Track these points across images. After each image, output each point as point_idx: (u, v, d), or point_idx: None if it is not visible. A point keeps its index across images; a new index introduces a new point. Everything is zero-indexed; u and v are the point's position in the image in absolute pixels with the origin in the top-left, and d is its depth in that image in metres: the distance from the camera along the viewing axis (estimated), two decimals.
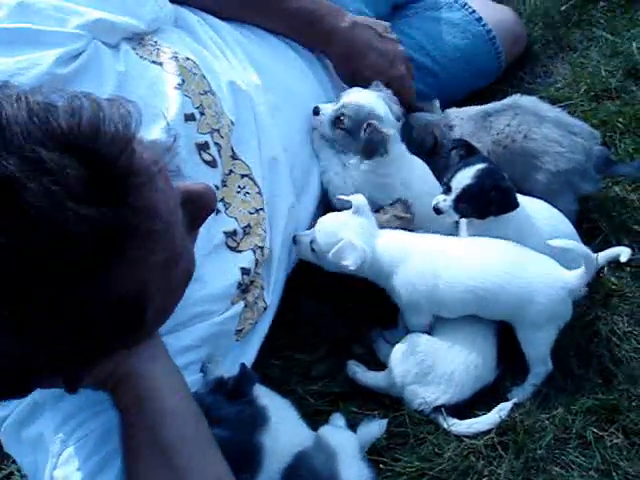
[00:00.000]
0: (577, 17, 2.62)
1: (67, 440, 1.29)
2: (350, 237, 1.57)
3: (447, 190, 1.65)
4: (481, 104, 2.09)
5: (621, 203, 1.99)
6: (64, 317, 0.84)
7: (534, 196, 1.77)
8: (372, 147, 1.79)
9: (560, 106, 2.36)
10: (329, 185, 1.85)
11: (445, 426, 1.53)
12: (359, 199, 1.64)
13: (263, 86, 1.78)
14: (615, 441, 1.49)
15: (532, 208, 1.70)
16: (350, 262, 1.56)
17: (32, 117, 0.83)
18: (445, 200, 1.64)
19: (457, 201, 1.63)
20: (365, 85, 1.90)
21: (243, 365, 1.41)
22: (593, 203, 1.99)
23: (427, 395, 1.56)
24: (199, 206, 1.07)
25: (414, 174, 1.85)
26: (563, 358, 1.63)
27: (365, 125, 1.78)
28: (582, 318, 1.70)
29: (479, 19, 2.34)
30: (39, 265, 0.80)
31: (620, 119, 2.23)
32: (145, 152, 0.91)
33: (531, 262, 1.59)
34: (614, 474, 1.44)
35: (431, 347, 1.60)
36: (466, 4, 2.36)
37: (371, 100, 1.85)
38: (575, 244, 1.60)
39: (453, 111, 2.04)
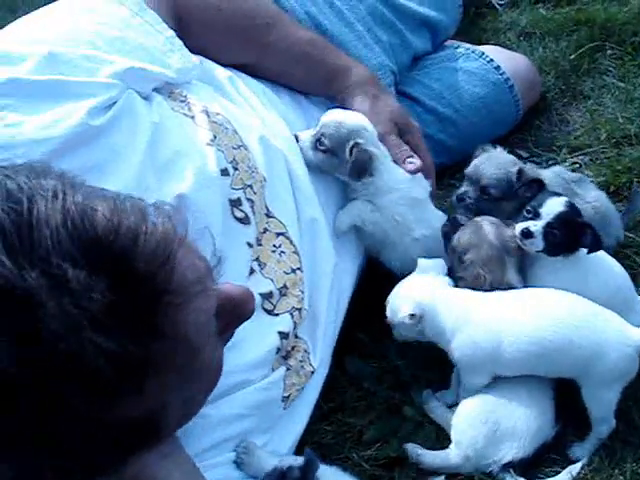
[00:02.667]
0: (587, 65, 2.64)
1: None
2: (407, 292, 1.53)
3: (534, 216, 1.60)
4: None
5: None
6: (70, 442, 0.75)
7: None
8: (360, 167, 1.74)
9: (582, 154, 2.39)
10: (375, 231, 1.81)
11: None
12: (424, 261, 1.61)
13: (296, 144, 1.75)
14: None
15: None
16: (404, 313, 1.51)
17: (66, 221, 0.73)
18: (535, 225, 1.59)
19: (549, 226, 1.59)
20: None
21: (308, 452, 1.36)
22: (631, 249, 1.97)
23: (495, 454, 1.50)
24: (237, 313, 0.98)
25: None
26: (625, 410, 1.58)
27: (350, 145, 1.73)
28: None
29: (497, 67, 2.37)
30: (47, 391, 0.71)
31: None
32: (188, 269, 0.82)
33: (600, 317, 1.54)
34: None
35: (491, 405, 1.54)
36: (483, 53, 2.39)
37: (352, 118, 1.80)
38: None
39: None
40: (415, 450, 1.57)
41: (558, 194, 1.67)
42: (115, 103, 1.32)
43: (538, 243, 1.60)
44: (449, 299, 1.58)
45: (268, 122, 1.71)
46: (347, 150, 1.74)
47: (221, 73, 1.75)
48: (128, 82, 1.38)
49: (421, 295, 1.57)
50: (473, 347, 1.54)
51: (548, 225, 1.59)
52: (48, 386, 0.70)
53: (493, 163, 1.88)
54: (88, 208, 0.75)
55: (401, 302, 1.56)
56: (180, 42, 1.55)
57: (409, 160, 1.80)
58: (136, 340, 0.73)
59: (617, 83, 2.58)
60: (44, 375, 0.70)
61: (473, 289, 1.61)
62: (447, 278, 1.65)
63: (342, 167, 1.77)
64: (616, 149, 2.36)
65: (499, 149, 1.97)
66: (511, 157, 1.95)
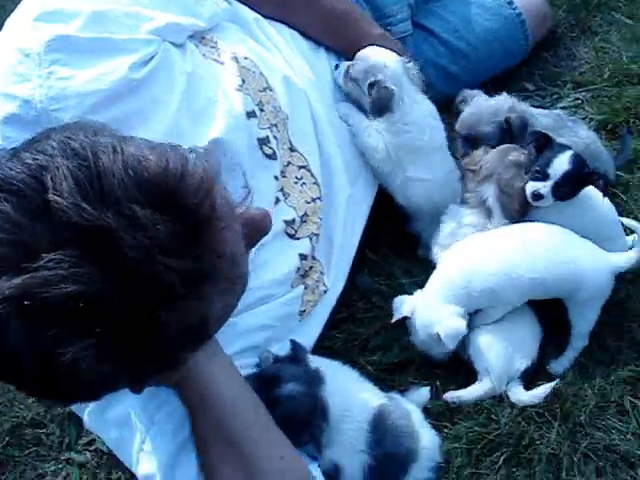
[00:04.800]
0: (597, 0, 2.71)
1: (153, 416, 1.43)
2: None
3: (544, 177, 1.75)
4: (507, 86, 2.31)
5: None
6: (143, 342, 0.93)
7: None
8: (381, 104, 1.88)
9: (585, 90, 2.51)
10: (365, 150, 1.94)
11: (519, 395, 1.70)
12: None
13: (315, 81, 1.89)
14: None
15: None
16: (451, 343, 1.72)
17: (127, 170, 0.90)
18: (545, 186, 1.75)
19: (557, 186, 1.75)
20: None
21: (292, 341, 1.58)
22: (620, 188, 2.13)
23: (513, 367, 1.73)
24: (257, 230, 1.19)
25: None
26: (598, 333, 1.79)
27: (370, 81, 1.87)
28: (615, 295, 1.82)
29: (510, 2, 2.44)
30: (129, 303, 0.89)
31: None
32: (224, 200, 1.02)
33: (582, 248, 1.75)
34: None
35: (500, 327, 1.77)
36: None
37: (378, 54, 1.93)
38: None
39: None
40: (453, 396, 1.73)
41: (564, 147, 1.80)
42: (153, 57, 1.43)
43: (547, 201, 1.77)
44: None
45: (291, 62, 1.84)
46: (366, 85, 1.88)
47: (248, 14, 1.86)
48: (165, 36, 1.49)
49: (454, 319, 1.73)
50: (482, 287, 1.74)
51: (556, 184, 1.75)
52: (132, 300, 0.89)
53: (480, 117, 2.02)
54: (142, 157, 0.92)
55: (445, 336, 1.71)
56: None
57: None
58: (194, 258, 0.92)
59: (625, 20, 2.67)
60: (129, 291, 0.88)
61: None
62: None
63: (366, 100, 1.91)
64: (617, 88, 2.46)
65: (480, 97, 2.10)
66: (493, 103, 2.06)
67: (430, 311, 1.74)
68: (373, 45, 1.97)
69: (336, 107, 1.95)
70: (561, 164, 1.76)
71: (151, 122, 1.39)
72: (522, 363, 1.74)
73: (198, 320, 1.00)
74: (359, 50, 1.95)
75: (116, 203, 0.88)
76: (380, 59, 1.92)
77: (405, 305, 1.77)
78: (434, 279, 1.79)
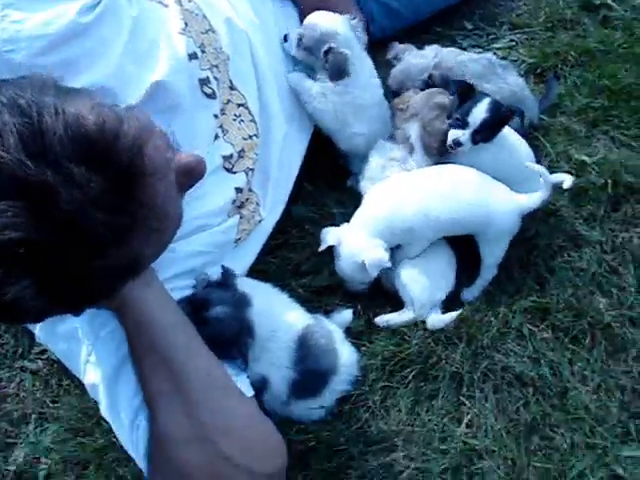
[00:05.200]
0: None
1: (98, 332, 1.58)
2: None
3: (463, 125, 1.90)
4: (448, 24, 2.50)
5: (565, 132, 2.30)
6: (77, 283, 1.10)
7: None
8: (337, 69, 2.01)
9: (521, 32, 2.63)
10: (315, 114, 2.09)
11: (434, 320, 1.90)
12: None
13: (258, 24, 1.98)
14: (545, 335, 1.88)
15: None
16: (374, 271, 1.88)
17: (67, 130, 1.03)
18: (464, 134, 1.91)
19: (475, 133, 1.91)
20: None
21: (222, 266, 1.73)
22: (543, 131, 2.29)
23: (436, 295, 1.93)
24: (193, 176, 1.32)
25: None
26: (507, 265, 1.99)
27: (325, 48, 1.99)
28: (525, 233, 2.03)
29: None
30: (64, 250, 1.04)
31: (572, 52, 2.48)
32: (158, 153, 1.16)
33: (493, 189, 1.93)
34: (542, 361, 1.84)
35: (423, 261, 1.95)
36: None
37: (328, 21, 2.04)
38: (545, 170, 1.94)
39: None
40: (383, 320, 1.93)
41: (483, 95, 1.94)
42: (100, 2, 1.51)
43: (466, 148, 1.93)
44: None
45: (234, 4, 1.93)
46: (322, 53, 1.99)
47: None
48: None
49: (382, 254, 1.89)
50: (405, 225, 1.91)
51: (475, 132, 1.91)
52: (67, 248, 1.05)
53: (409, 74, 2.16)
54: (81, 118, 1.06)
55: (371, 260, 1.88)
56: None
57: None
58: (125, 212, 1.08)
59: None
60: (64, 241, 1.04)
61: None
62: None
63: (320, 65, 2.03)
64: (550, 32, 2.60)
65: (410, 52, 2.21)
66: (421, 61, 2.18)
67: (356, 242, 1.91)
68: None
69: (286, 77, 2.07)
70: (479, 112, 1.91)
71: (98, 65, 1.49)
72: (441, 293, 1.94)
73: (129, 262, 1.16)
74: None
75: (55, 161, 1.02)
76: (331, 26, 2.02)
77: (331, 235, 1.93)
78: (360, 214, 1.96)
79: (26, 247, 1.02)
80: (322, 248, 1.93)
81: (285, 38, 2.08)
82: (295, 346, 1.72)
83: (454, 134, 1.93)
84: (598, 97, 2.37)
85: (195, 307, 1.60)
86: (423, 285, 1.93)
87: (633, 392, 1.80)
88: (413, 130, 2.00)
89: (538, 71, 2.49)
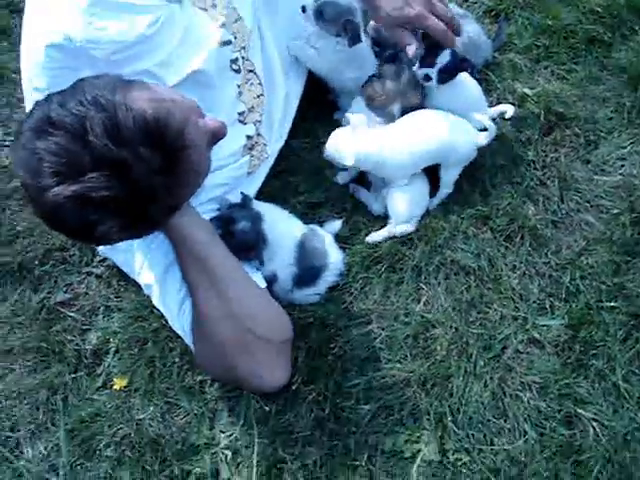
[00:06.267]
0: None
1: (150, 244, 2.04)
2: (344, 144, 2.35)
3: (430, 64, 2.30)
4: None
5: (512, 67, 2.74)
6: (141, 220, 1.64)
7: None
8: (356, 36, 2.40)
9: None
10: (314, 68, 2.56)
11: (400, 228, 2.40)
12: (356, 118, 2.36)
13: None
14: (485, 236, 2.34)
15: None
16: (348, 162, 2.34)
17: (135, 122, 1.48)
18: (433, 71, 2.30)
19: (440, 72, 2.31)
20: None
21: (241, 193, 2.23)
22: (494, 68, 2.74)
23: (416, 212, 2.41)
24: (217, 137, 1.77)
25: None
26: (458, 182, 2.43)
27: (343, 21, 2.37)
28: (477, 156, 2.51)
29: None
30: (136, 201, 1.57)
31: None
32: (196, 130, 1.66)
33: (459, 126, 2.36)
34: (482, 256, 2.29)
35: (408, 187, 2.43)
36: None
37: None
38: (489, 123, 2.40)
39: None
40: (373, 237, 2.40)
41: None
42: (161, 17, 1.88)
43: (434, 83, 2.37)
44: (371, 142, 2.37)
45: None
46: (340, 25, 2.37)
47: None
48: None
49: (357, 146, 2.30)
50: (394, 163, 2.38)
51: (440, 70, 2.34)
52: (138, 200, 1.58)
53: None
54: (143, 112, 1.52)
55: (343, 154, 2.31)
56: None
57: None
58: (174, 174, 1.61)
59: None
60: (135, 195, 1.56)
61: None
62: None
63: (334, 32, 2.41)
64: None
65: None
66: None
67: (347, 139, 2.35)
68: None
69: (288, 46, 2.48)
70: (444, 56, 2.34)
71: (152, 59, 1.92)
72: (420, 210, 2.45)
73: (176, 202, 1.71)
74: None
75: (128, 144, 1.51)
76: (349, 2, 2.39)
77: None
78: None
79: (112, 200, 1.54)
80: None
81: (303, 9, 2.38)
82: (296, 249, 2.22)
83: (425, 70, 2.35)
84: (541, 36, 2.78)
85: (224, 223, 2.11)
86: (407, 207, 2.42)
87: (550, 277, 2.31)
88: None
89: (493, 13, 2.89)
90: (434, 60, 2.36)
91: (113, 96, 1.53)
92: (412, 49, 2.21)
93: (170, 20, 1.92)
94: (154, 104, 1.58)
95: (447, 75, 2.39)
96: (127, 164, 1.49)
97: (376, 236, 2.43)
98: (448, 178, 2.45)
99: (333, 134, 2.40)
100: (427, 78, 2.38)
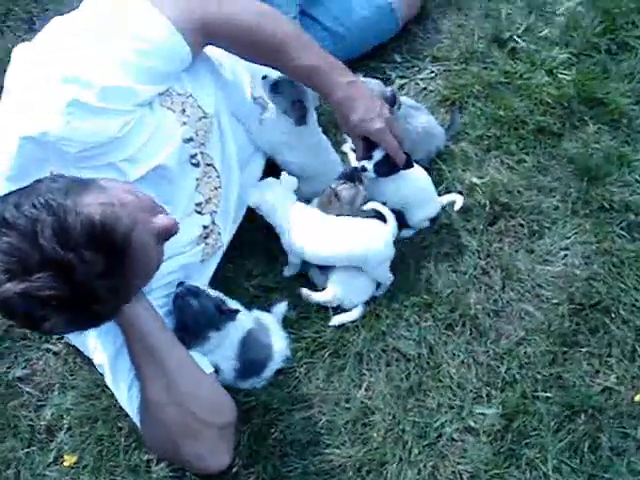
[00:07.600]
0: None
1: (101, 329, 2.09)
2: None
3: (369, 158, 2.45)
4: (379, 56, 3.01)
5: (464, 157, 2.84)
6: (89, 316, 1.75)
7: None
8: (302, 117, 2.52)
9: (440, 65, 3.08)
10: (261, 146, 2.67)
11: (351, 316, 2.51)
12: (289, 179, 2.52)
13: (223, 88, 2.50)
14: (427, 324, 2.48)
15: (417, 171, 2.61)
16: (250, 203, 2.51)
17: (83, 226, 1.59)
18: (369, 163, 2.45)
19: (376, 164, 2.45)
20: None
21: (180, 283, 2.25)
22: (446, 157, 2.85)
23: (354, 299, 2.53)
24: (169, 234, 1.86)
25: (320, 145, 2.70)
26: (403, 269, 2.55)
27: (296, 102, 2.49)
28: (421, 242, 2.63)
29: None
30: (81, 302, 1.68)
31: (477, 85, 2.96)
32: (145, 231, 1.76)
33: (372, 230, 2.45)
34: (422, 343, 2.43)
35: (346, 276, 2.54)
36: None
37: None
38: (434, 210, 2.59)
39: None
40: (306, 294, 2.52)
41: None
42: (131, 120, 2.00)
43: (369, 174, 2.50)
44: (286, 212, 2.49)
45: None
46: (290, 103, 2.50)
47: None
48: (144, 104, 2.06)
49: (267, 197, 2.47)
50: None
51: (376, 163, 2.47)
52: (83, 301, 1.68)
53: None
54: (91, 217, 1.65)
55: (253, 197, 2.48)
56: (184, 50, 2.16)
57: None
58: (120, 277, 1.71)
59: None
60: (81, 297, 1.66)
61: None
62: (292, 195, 2.52)
63: (283, 108, 2.54)
64: (464, 64, 3.06)
65: None
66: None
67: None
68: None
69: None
70: (380, 152, 2.46)
71: (119, 154, 2.04)
72: (360, 298, 2.54)
73: (121, 301, 1.82)
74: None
75: (75, 247, 1.62)
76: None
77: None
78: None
79: (56, 299, 1.64)
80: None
81: (264, 77, 2.46)
82: (239, 344, 2.28)
83: (361, 162, 2.49)
84: (493, 126, 2.88)
85: (189, 292, 2.22)
86: (342, 288, 2.53)
87: (487, 366, 2.39)
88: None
89: (448, 102, 3.00)
90: (371, 153, 2.49)
91: (65, 200, 1.63)
92: (359, 157, 2.52)
93: (141, 122, 2.04)
94: (103, 208, 1.66)
95: (384, 169, 2.50)
96: (71, 266, 1.59)
97: (310, 294, 2.53)
98: (379, 277, 2.54)
99: (263, 183, 2.55)
100: (363, 169, 2.50)
